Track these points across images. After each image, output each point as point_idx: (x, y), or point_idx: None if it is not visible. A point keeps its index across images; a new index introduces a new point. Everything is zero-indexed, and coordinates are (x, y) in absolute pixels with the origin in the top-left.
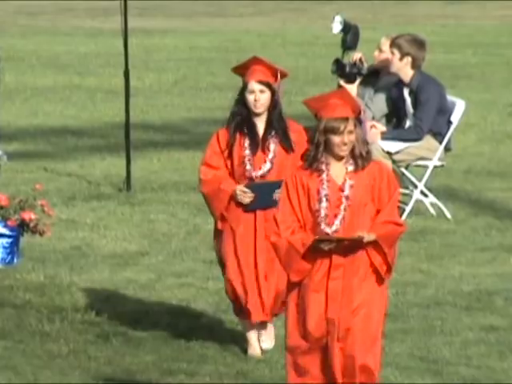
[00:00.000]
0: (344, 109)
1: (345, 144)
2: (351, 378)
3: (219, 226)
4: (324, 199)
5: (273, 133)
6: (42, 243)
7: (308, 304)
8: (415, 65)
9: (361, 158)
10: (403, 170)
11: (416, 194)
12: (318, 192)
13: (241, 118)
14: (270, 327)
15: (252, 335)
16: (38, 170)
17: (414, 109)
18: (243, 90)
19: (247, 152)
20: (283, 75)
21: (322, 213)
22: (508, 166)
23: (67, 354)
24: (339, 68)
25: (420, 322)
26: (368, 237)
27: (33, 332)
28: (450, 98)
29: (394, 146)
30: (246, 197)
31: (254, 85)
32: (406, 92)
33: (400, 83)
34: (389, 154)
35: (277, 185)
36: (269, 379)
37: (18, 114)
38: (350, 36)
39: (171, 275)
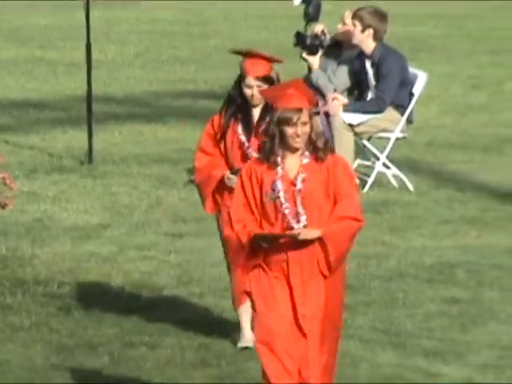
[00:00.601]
0: (299, 99)
1: (298, 135)
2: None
3: (208, 209)
4: (282, 193)
5: (267, 118)
6: (4, 216)
7: (270, 301)
8: (377, 37)
9: (317, 150)
10: (365, 142)
11: (378, 166)
12: (272, 186)
13: (236, 104)
14: None
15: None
16: None
17: (375, 81)
18: (241, 77)
19: (242, 138)
20: (277, 61)
21: (286, 210)
22: (470, 138)
23: (29, 327)
24: (301, 40)
25: (382, 295)
26: (306, 234)
27: None
28: (411, 70)
29: (355, 118)
30: (233, 182)
31: (251, 81)
32: (367, 64)
33: (362, 55)
34: (351, 126)
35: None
36: (230, 352)
37: None
38: (312, 8)
39: (133, 248)
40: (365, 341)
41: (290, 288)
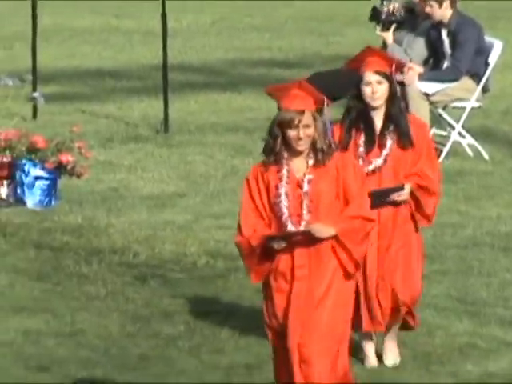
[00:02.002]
0: (302, 101)
1: (300, 138)
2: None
3: None
4: (284, 196)
5: (391, 128)
6: (80, 185)
7: (273, 304)
8: (453, 4)
9: (321, 152)
10: (440, 111)
11: (453, 135)
12: (277, 187)
13: (356, 113)
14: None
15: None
16: (75, 112)
17: (451, 50)
18: (358, 83)
19: (361, 149)
20: (399, 67)
21: (286, 212)
22: None
23: (105, 296)
24: (376, 15)
25: (458, 263)
26: (321, 230)
27: (70, 274)
28: (487, 38)
29: (431, 87)
30: None
31: (370, 76)
32: (444, 33)
33: (438, 24)
34: (426, 95)
35: (394, 190)
36: None
37: (55, 55)
38: None
39: (209, 216)
40: (440, 309)
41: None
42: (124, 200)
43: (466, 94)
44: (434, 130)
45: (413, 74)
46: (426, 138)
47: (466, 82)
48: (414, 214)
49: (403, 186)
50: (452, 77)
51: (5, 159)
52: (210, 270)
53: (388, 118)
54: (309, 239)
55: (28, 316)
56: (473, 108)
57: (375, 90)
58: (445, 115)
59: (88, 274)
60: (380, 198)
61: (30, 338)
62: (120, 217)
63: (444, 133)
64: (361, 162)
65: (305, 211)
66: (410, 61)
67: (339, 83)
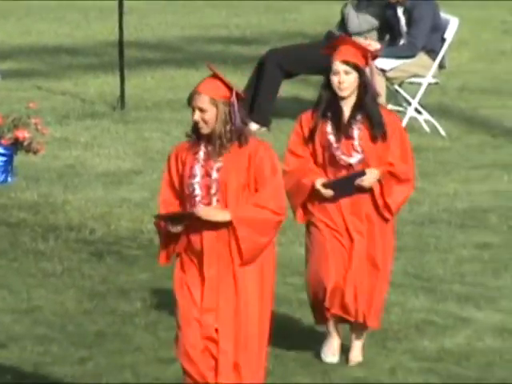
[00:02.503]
0: (203, 84)
1: (196, 121)
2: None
3: (299, 219)
4: (196, 179)
5: (358, 117)
6: (36, 162)
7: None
8: None
9: (219, 140)
10: (397, 87)
11: (410, 112)
12: (191, 169)
13: (326, 102)
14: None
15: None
16: (31, 88)
17: (407, 27)
18: (329, 71)
19: (331, 138)
20: (374, 57)
21: (198, 195)
22: (502, 84)
23: (61, 273)
24: None
25: (414, 240)
26: (210, 213)
27: (27, 250)
28: (443, 15)
29: (387, 63)
30: (326, 193)
31: (338, 65)
32: (399, 11)
33: (394, 3)
34: (383, 71)
35: (356, 176)
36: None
37: (11, 32)
38: None
39: None
40: (397, 286)
41: (203, 280)
42: (80, 177)
43: (423, 71)
44: (390, 106)
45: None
46: (399, 128)
47: (422, 58)
48: (378, 202)
49: (364, 170)
50: (408, 53)
51: None
52: None
53: (357, 108)
54: (209, 224)
55: None
56: (429, 84)
57: (342, 79)
58: (401, 91)
59: (44, 251)
60: (344, 187)
61: None
62: (76, 193)
63: (400, 108)
64: (338, 152)
65: (214, 199)
66: (366, 38)
67: (297, 59)
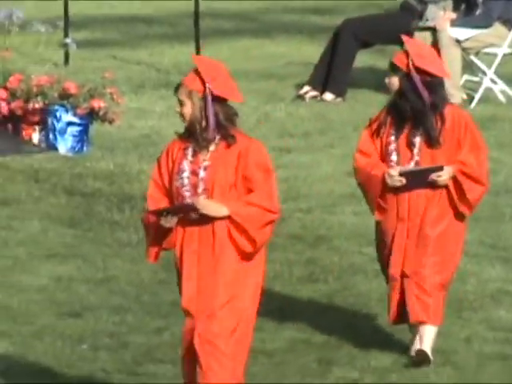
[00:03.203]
0: (187, 78)
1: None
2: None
3: (376, 216)
4: (184, 175)
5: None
6: (112, 131)
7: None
8: None
9: (200, 136)
10: (472, 57)
11: (486, 82)
12: (179, 165)
13: (394, 102)
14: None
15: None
16: (107, 58)
17: None
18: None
19: (392, 138)
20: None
21: (185, 193)
22: None
23: (137, 243)
24: None
25: (490, 210)
26: (209, 207)
27: (102, 220)
28: None
29: (463, 33)
30: (396, 181)
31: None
32: None
33: None
34: (458, 41)
35: (432, 170)
36: (338, 267)
37: (86, 2)
38: None
39: None
40: (472, 256)
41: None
42: (156, 146)
43: (498, 40)
44: (465, 77)
45: (445, 20)
46: (469, 127)
47: (498, 28)
48: (455, 201)
49: (442, 166)
50: (484, 23)
51: (37, 105)
52: None
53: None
54: (203, 219)
55: (60, 262)
56: (505, 54)
57: (388, 80)
58: (477, 61)
59: (120, 221)
60: (417, 179)
61: (62, 284)
62: (152, 163)
63: (476, 79)
64: (394, 156)
65: (201, 197)
66: (442, 8)
67: (373, 29)
